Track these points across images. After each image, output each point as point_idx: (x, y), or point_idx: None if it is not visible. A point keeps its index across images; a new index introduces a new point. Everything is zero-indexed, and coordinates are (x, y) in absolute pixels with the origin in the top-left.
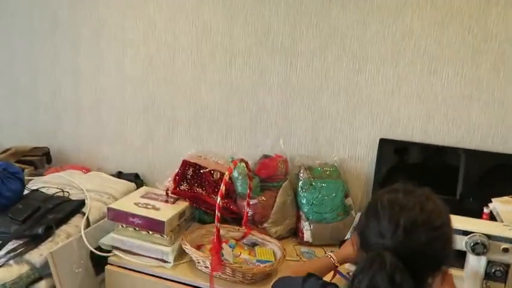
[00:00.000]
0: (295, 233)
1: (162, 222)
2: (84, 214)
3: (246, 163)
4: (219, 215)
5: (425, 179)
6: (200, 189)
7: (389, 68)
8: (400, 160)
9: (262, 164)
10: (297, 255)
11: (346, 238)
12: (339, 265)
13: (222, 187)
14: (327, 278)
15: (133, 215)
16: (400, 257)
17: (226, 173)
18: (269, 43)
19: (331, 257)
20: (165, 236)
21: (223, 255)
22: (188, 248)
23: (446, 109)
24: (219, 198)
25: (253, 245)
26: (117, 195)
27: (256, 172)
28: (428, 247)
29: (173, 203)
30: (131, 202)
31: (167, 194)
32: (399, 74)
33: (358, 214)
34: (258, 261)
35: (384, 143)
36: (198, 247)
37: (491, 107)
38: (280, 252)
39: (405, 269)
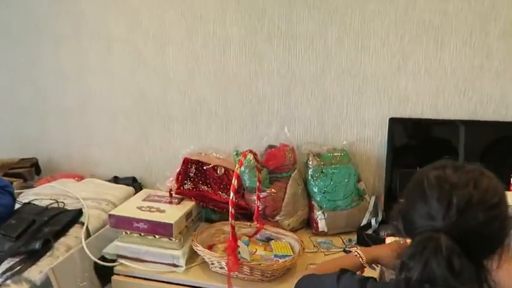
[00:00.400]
0: (308, 223)
1: (170, 225)
2: (83, 224)
3: (255, 154)
4: (233, 211)
5: (439, 155)
6: (205, 187)
7: (394, 44)
8: (412, 139)
9: (269, 154)
10: (314, 246)
11: (362, 224)
12: (367, 266)
13: (234, 181)
14: None
15: (138, 220)
16: (454, 239)
17: (237, 165)
18: (265, 28)
19: (359, 256)
20: (174, 239)
21: (239, 254)
22: (201, 250)
23: (456, 81)
24: (231, 194)
25: (268, 239)
26: (115, 201)
27: (263, 164)
28: (484, 228)
29: (178, 203)
30: (133, 206)
31: (171, 194)
32: (404, 49)
33: (373, 198)
34: (275, 256)
35: (393, 122)
36: (210, 247)
37: (503, 75)
38: (298, 245)
39: (463, 253)
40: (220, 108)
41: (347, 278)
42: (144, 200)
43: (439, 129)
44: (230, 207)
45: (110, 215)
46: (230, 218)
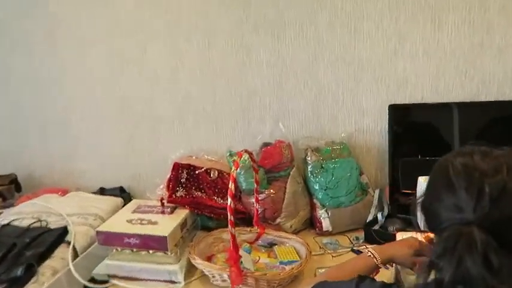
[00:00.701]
0: (311, 223)
1: (164, 238)
2: (69, 243)
3: (250, 154)
4: (232, 219)
5: (445, 141)
6: (199, 193)
7: (389, 25)
8: (413, 125)
9: (265, 152)
10: (320, 248)
11: (368, 220)
12: (382, 266)
13: (231, 185)
14: None
15: (129, 235)
16: (487, 232)
17: (233, 167)
18: (251, 17)
19: (373, 256)
20: (170, 253)
21: (242, 264)
22: (199, 263)
23: (456, 61)
24: (229, 199)
25: (271, 245)
26: (103, 215)
27: (259, 163)
28: None
29: (171, 212)
30: (123, 220)
31: (162, 203)
32: (400, 31)
33: (377, 191)
34: (281, 263)
35: (393, 109)
36: (209, 258)
37: (505, 53)
38: (304, 248)
39: (499, 248)
40: (209, 106)
41: (366, 286)
42: (134, 211)
43: (442, 113)
44: (229, 215)
45: (97, 232)
46: (230, 227)
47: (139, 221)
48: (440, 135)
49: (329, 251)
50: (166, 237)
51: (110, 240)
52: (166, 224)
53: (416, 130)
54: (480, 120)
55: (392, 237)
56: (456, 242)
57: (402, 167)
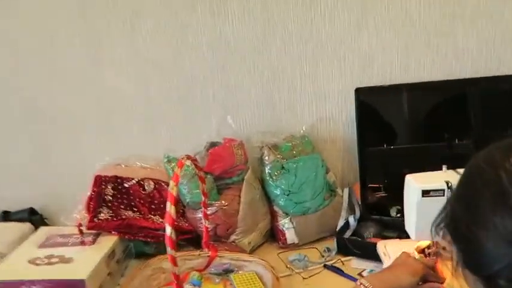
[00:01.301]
0: (272, 235)
1: (81, 282)
2: None
3: (194, 160)
4: (173, 253)
5: (423, 127)
6: (130, 212)
7: None
8: (383, 109)
9: (212, 155)
10: (287, 267)
11: (339, 227)
12: None
13: (170, 208)
14: None
15: (29, 282)
16: None
17: (172, 183)
18: None
19: None
20: None
21: None
22: None
23: (427, 36)
24: (168, 228)
25: (226, 271)
26: (3, 250)
27: (206, 169)
28: None
29: (93, 242)
30: (23, 260)
31: (81, 231)
32: (363, 1)
33: (346, 190)
34: None
35: (360, 93)
36: None
37: (479, 24)
38: (268, 273)
39: None
40: (139, 101)
41: None
42: (41, 246)
43: (415, 94)
44: (168, 249)
45: None
46: (172, 265)
47: (47, 260)
48: (419, 119)
49: (298, 270)
50: (84, 280)
51: None
52: (85, 260)
53: (387, 115)
54: (456, 100)
55: (371, 246)
56: None
57: (367, 158)
